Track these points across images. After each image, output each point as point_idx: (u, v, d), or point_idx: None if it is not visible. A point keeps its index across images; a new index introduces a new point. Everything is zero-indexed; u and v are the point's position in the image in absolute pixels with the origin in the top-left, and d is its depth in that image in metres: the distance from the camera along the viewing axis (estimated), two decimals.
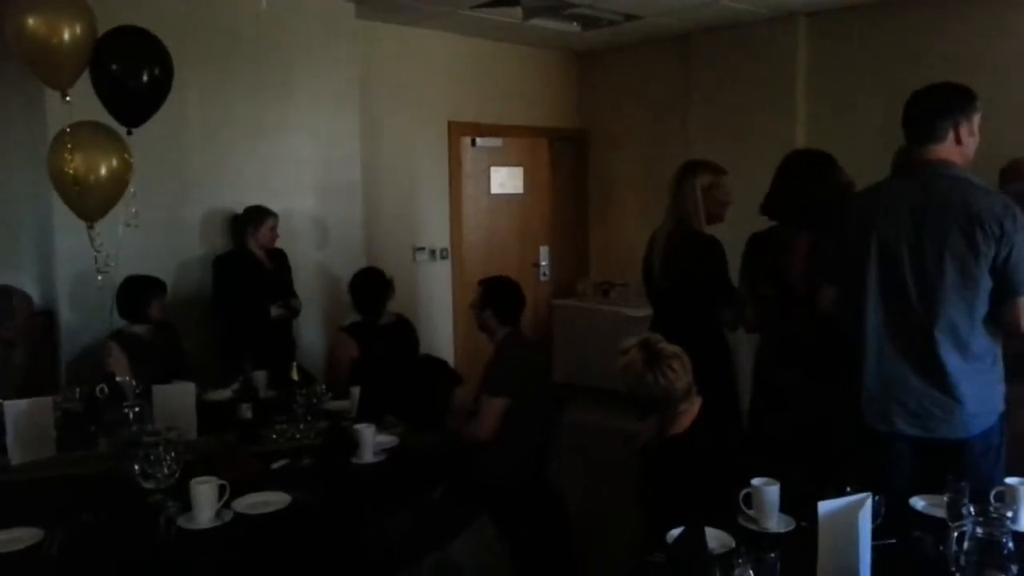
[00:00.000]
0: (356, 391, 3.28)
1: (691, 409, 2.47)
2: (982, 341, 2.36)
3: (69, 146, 2.93)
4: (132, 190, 3.21)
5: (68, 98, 2.99)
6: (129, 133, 3.18)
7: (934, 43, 4.99)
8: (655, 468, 2.49)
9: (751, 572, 1.59)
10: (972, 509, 1.81)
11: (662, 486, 2.40)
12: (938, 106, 2.41)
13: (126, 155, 3.17)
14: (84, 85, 3.17)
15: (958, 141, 2.39)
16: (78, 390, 3.10)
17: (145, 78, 3.11)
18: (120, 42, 3.12)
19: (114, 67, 3.07)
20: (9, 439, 2.67)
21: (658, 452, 2.49)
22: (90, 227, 3.14)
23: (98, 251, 3.11)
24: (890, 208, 2.41)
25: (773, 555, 1.65)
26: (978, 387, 2.36)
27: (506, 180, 6.80)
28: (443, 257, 6.24)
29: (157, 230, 4.28)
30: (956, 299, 2.32)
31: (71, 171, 2.91)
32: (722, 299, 3.25)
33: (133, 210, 3.24)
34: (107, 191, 3.13)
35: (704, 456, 2.35)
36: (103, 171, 3.07)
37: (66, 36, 2.92)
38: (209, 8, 4.52)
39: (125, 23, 3.24)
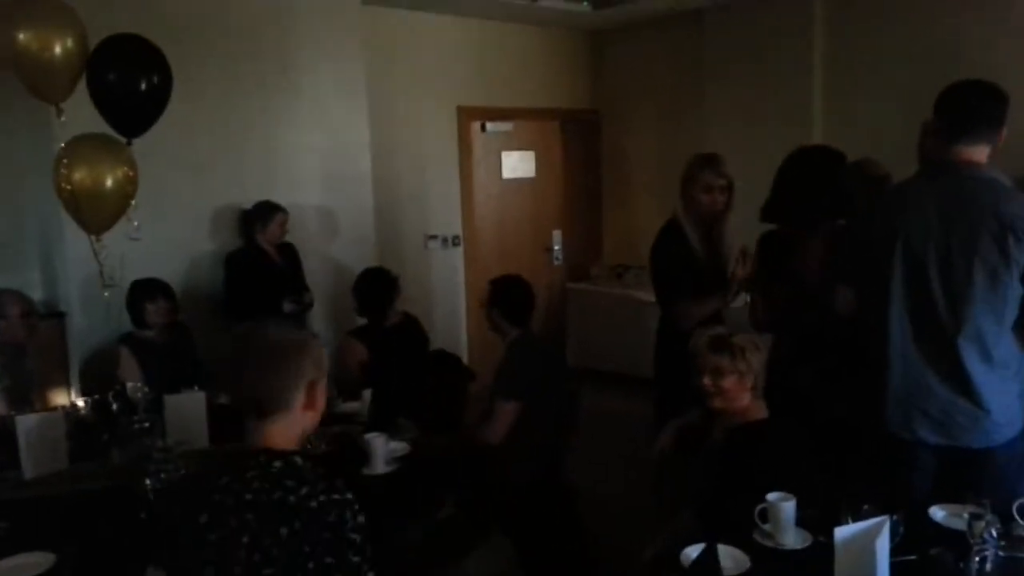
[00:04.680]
0: (368, 393, 3.25)
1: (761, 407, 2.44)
2: (1008, 349, 2.29)
3: (65, 161, 2.90)
4: (134, 203, 3.17)
5: (63, 112, 2.96)
6: (129, 143, 3.14)
7: (957, 19, 4.81)
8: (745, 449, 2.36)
9: None
10: (995, 530, 1.76)
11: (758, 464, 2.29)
12: (994, 110, 2.30)
13: (127, 168, 3.13)
14: (87, 96, 3.13)
15: (997, 144, 2.32)
16: (90, 400, 3.10)
17: (143, 87, 3.06)
18: (116, 51, 3.07)
19: (111, 77, 3.02)
20: (22, 453, 2.68)
21: (744, 434, 2.40)
22: (97, 240, 3.11)
23: (103, 264, 3.08)
24: (917, 209, 2.32)
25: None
26: (1004, 395, 2.29)
27: (518, 164, 6.71)
28: (455, 244, 6.19)
29: (167, 228, 4.26)
30: (984, 305, 2.24)
31: (68, 187, 2.88)
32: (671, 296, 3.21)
33: (135, 224, 3.20)
34: (109, 205, 3.09)
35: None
36: (106, 185, 3.04)
37: (57, 50, 2.89)
38: None
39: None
